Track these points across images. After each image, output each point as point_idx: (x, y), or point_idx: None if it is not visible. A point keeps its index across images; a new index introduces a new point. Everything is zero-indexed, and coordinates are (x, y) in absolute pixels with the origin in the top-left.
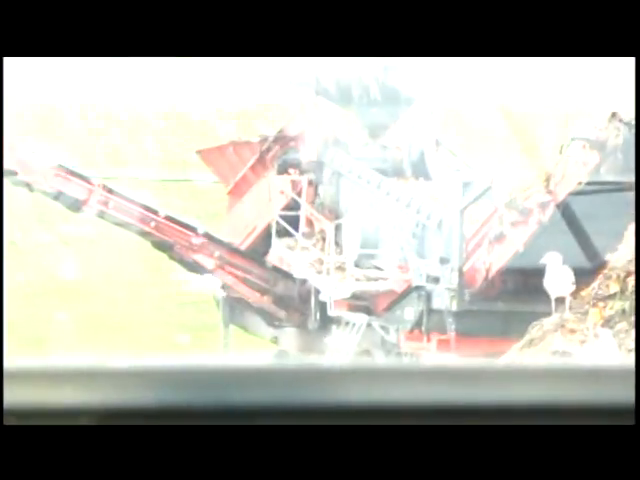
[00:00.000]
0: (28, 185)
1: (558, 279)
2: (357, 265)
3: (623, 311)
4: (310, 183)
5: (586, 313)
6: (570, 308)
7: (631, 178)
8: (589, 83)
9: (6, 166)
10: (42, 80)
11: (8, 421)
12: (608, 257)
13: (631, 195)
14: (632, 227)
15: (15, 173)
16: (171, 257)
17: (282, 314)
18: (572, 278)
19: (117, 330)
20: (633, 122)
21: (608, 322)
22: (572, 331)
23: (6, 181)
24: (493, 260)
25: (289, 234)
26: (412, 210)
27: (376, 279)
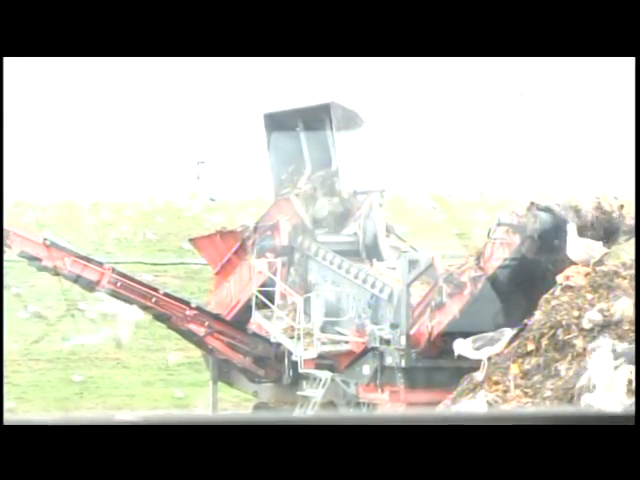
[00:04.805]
0: (51, 270)
1: (469, 354)
2: (322, 331)
3: (538, 365)
4: (283, 264)
5: (507, 368)
6: (494, 363)
7: (547, 257)
8: None
9: (31, 253)
10: (61, 180)
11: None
12: (526, 321)
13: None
14: (546, 296)
15: (40, 259)
16: (169, 327)
17: (261, 372)
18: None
19: (124, 388)
20: (548, 209)
21: (526, 375)
22: (496, 383)
23: (32, 265)
24: (434, 325)
25: (266, 306)
26: (367, 285)
27: (338, 342)
